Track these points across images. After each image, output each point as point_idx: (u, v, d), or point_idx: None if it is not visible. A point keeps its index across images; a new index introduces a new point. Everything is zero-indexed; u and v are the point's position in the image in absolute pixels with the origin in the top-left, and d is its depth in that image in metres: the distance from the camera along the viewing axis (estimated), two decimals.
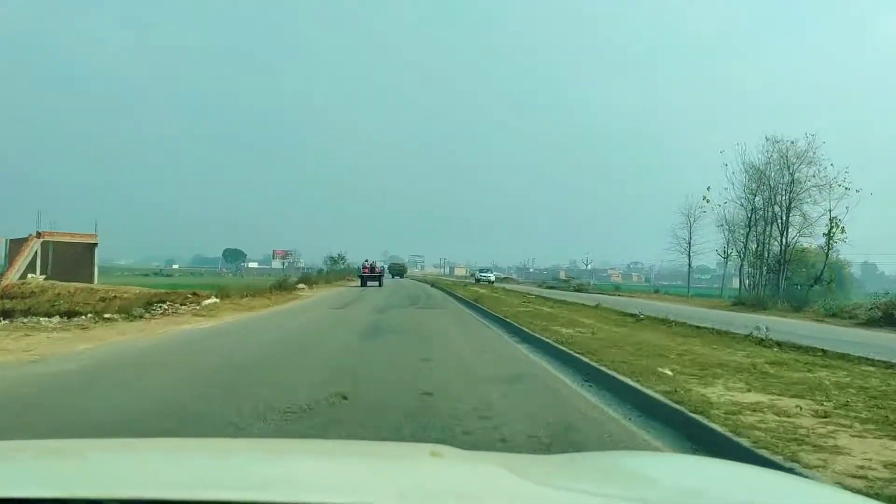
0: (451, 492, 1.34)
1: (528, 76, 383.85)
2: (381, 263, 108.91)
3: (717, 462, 2.67)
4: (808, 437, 4.79)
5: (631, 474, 1.75)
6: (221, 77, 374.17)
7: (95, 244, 41.14)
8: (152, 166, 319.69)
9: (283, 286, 27.37)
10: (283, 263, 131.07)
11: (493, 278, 63.81)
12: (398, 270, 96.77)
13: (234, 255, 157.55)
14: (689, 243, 54.91)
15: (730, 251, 44.88)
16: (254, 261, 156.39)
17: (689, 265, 55.66)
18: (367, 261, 49.04)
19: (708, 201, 40.14)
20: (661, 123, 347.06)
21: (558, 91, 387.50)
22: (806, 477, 3.71)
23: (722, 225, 44.68)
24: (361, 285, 44.68)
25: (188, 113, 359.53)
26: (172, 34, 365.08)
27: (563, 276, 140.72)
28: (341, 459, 1.84)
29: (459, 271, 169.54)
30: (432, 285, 48.82)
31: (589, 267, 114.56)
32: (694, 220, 54.88)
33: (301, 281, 36.29)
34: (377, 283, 45.29)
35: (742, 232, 42.25)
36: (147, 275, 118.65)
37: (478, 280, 62.41)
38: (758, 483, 1.74)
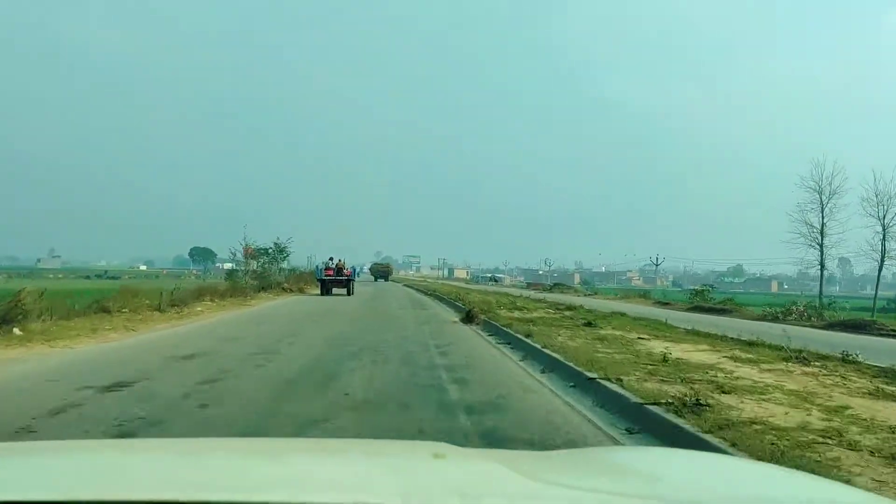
0: (453, 490, 1.27)
1: (527, 75, 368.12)
2: (370, 262, 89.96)
3: (722, 458, 2.72)
4: None
5: (634, 470, 1.66)
6: (221, 72, 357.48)
7: None
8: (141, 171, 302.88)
9: None
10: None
11: None
12: (382, 272, 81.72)
13: (202, 255, 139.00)
14: (822, 232, 36.56)
15: None
16: (230, 261, 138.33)
17: (822, 264, 36.89)
18: (330, 259, 32.15)
19: None
20: (675, 118, 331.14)
21: (573, 88, 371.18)
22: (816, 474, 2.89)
23: None
24: (322, 293, 30.16)
25: (184, 107, 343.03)
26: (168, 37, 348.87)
27: (576, 280, 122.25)
28: (342, 458, 1.72)
29: (460, 273, 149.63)
30: (460, 309, 20.22)
31: (658, 265, 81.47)
32: (828, 199, 36.51)
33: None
34: (345, 291, 30.87)
35: None
36: (88, 276, 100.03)
37: None
38: (764, 478, 1.70)
